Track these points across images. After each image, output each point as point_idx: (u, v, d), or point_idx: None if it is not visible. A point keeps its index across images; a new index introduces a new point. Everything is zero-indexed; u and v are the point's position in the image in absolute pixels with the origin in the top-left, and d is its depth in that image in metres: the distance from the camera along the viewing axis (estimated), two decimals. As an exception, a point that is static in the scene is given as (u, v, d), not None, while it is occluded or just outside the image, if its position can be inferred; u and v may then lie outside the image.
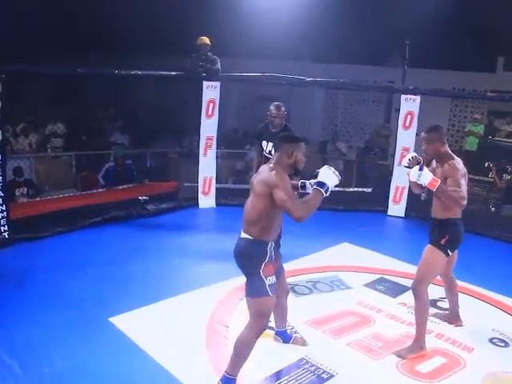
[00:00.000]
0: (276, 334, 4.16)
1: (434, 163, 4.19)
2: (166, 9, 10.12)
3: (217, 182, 8.19)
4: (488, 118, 11.70)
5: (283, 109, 5.52)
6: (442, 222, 4.12)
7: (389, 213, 8.25)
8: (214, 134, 7.98)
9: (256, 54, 11.09)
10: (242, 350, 3.42)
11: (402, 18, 10.10)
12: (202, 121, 7.89)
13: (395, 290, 5.34)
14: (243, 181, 9.63)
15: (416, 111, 8.06)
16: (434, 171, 4.06)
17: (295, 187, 3.79)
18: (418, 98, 8.05)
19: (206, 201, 8.05)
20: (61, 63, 8.15)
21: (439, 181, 3.84)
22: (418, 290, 4.08)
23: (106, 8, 10.01)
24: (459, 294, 5.25)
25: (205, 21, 9.57)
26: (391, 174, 8.37)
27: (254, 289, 3.39)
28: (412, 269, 5.80)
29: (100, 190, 8.06)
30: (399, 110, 8.20)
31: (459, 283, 5.49)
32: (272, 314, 3.69)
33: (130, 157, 9.05)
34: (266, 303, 3.40)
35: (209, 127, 7.94)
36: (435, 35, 10.08)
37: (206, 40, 7.75)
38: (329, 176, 3.43)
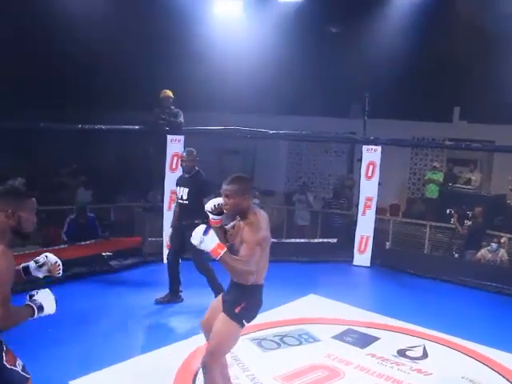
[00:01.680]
0: None
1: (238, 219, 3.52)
2: (126, 64, 10.21)
3: (182, 236, 8.10)
4: (447, 166, 12.01)
5: (193, 154, 5.97)
6: (239, 286, 3.39)
7: (354, 263, 8.27)
8: (178, 187, 7.94)
9: (219, 107, 11.24)
10: None
11: (361, 71, 10.45)
12: (166, 175, 7.86)
13: (363, 340, 5.29)
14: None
15: (378, 161, 8.20)
16: (237, 228, 3.46)
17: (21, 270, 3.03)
18: (379, 148, 8.21)
19: (171, 255, 7.93)
20: (21, 119, 8.10)
21: (225, 249, 3.17)
22: (209, 365, 3.37)
23: (69, 63, 10.05)
24: (428, 341, 5.27)
25: (168, 76, 9.68)
26: (355, 224, 8.43)
27: None
28: (379, 318, 5.84)
29: (62, 246, 7.88)
30: (361, 160, 8.33)
31: (426, 331, 5.53)
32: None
33: (93, 211, 8.92)
34: None
35: (173, 181, 7.89)
36: (394, 86, 10.41)
37: (169, 93, 7.82)
38: (49, 302, 2.79)
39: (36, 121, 7.42)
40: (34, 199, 2.76)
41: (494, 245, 8.08)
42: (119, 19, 9.50)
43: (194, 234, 3.18)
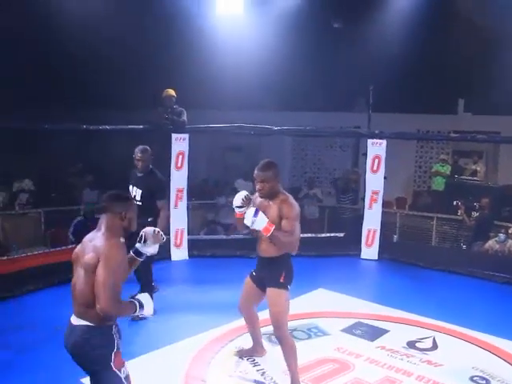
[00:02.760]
0: None
1: (258, 199, 4.01)
2: (129, 62, 10.21)
3: (189, 234, 8.13)
4: (453, 158, 11.97)
5: (148, 153, 5.68)
6: (274, 259, 3.96)
7: (362, 256, 8.27)
8: (184, 185, 7.96)
9: (221, 105, 11.23)
10: None
11: (364, 65, 10.41)
12: (171, 173, 7.88)
13: (372, 333, 5.29)
14: (215, 231, 9.60)
15: (383, 155, 8.18)
16: (264, 208, 3.87)
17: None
18: (384, 142, 8.19)
19: (179, 253, 7.95)
20: (22, 118, 8.11)
21: (274, 226, 3.71)
22: (281, 335, 3.97)
23: (69, 61, 10.04)
24: (437, 333, 5.27)
25: (170, 74, 9.68)
26: (362, 218, 8.41)
27: None
28: (388, 311, 5.84)
29: (70, 246, 7.91)
30: (366, 154, 8.32)
31: (435, 322, 5.52)
32: None
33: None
34: None
35: (178, 179, 7.92)
36: (398, 80, 10.38)
37: (172, 92, 7.82)
38: (149, 304, 2.97)
39: (38, 121, 7.44)
40: (134, 202, 3.16)
41: (501, 236, 8.05)
42: (120, 17, 9.48)
43: (246, 216, 3.69)
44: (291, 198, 3.90)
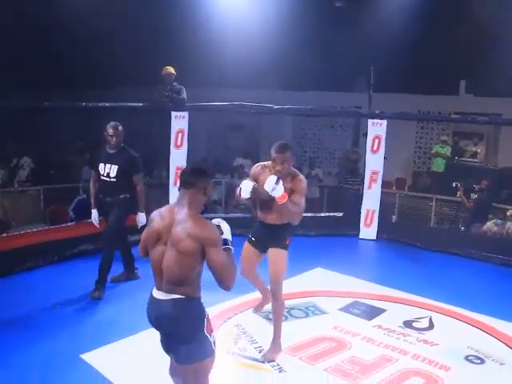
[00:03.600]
0: None
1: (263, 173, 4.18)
2: (128, 40, 10.12)
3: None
4: (453, 139, 11.95)
5: (120, 129, 5.59)
6: (280, 226, 4.24)
7: (360, 236, 8.29)
8: (183, 164, 7.94)
9: (223, 82, 11.16)
10: None
11: (366, 45, 10.34)
12: (171, 151, 7.86)
13: (369, 312, 5.33)
14: (215, 210, 9.61)
15: (383, 135, 8.16)
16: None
17: None
18: (384, 122, 8.16)
19: (178, 231, 7.96)
20: (22, 98, 8.07)
21: (287, 197, 3.94)
22: (278, 291, 4.26)
23: (68, 41, 9.97)
24: (434, 313, 5.31)
25: (171, 51, 9.61)
26: (361, 198, 8.42)
27: (199, 351, 2.91)
28: (385, 291, 5.87)
29: (69, 223, 7.93)
30: (367, 134, 8.30)
31: (432, 302, 5.56)
32: None
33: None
34: (213, 361, 3.00)
35: (178, 157, 7.91)
36: (399, 60, 10.31)
37: (172, 70, 7.76)
38: (229, 231, 3.02)
39: (37, 100, 7.41)
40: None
41: (499, 221, 8.11)
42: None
43: (267, 182, 3.88)
44: (301, 174, 4.20)
